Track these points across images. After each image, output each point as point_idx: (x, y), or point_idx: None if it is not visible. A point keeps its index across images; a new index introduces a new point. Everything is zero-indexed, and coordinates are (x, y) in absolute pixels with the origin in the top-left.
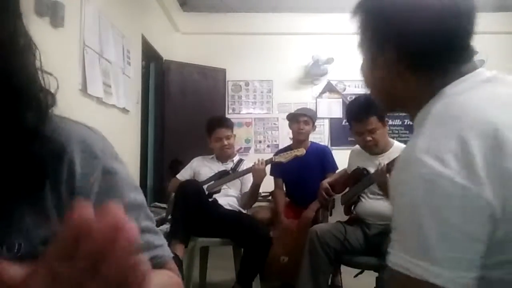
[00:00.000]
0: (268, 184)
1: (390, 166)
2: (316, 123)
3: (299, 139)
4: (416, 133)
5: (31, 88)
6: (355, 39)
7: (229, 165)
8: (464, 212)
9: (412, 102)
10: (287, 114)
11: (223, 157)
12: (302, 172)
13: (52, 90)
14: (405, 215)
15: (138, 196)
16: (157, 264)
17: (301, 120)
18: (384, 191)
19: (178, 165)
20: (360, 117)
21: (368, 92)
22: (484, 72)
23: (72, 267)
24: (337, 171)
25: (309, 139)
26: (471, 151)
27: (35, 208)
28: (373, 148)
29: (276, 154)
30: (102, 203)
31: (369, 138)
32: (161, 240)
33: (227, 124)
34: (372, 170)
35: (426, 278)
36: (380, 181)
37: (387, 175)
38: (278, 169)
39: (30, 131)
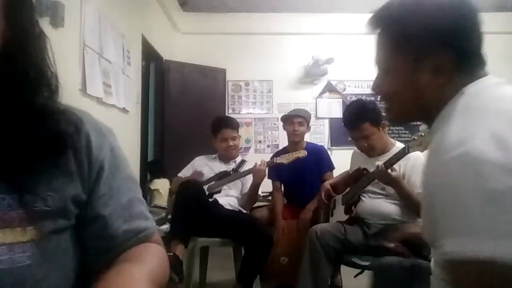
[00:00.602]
0: (268, 184)
1: (387, 164)
2: (316, 123)
3: (294, 140)
4: (442, 128)
5: (45, 70)
6: (355, 39)
7: (231, 166)
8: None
9: (437, 104)
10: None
11: (226, 158)
12: (299, 173)
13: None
14: (452, 200)
15: (132, 172)
16: (149, 234)
17: (295, 121)
18: (390, 185)
19: (156, 166)
20: (353, 124)
21: (384, 103)
22: (493, 78)
23: None
24: (340, 172)
25: (307, 139)
26: (503, 136)
27: (61, 170)
28: (370, 152)
29: (273, 157)
30: (112, 173)
31: (364, 144)
32: (149, 213)
33: (233, 125)
34: (372, 170)
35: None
36: (382, 177)
37: (388, 170)
38: (276, 171)
39: (48, 105)
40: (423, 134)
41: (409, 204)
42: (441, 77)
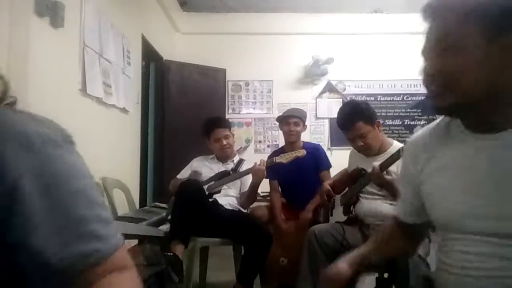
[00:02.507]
0: (267, 184)
1: (383, 165)
2: (316, 123)
3: (290, 140)
4: None
5: None
6: (355, 39)
7: (229, 166)
8: None
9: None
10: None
11: (223, 157)
12: (297, 173)
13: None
14: None
15: (87, 185)
16: (100, 257)
17: (291, 121)
18: (383, 188)
19: None
20: (346, 124)
21: (440, 88)
22: None
23: None
24: (338, 171)
25: (307, 139)
26: None
27: None
28: (367, 152)
29: (271, 156)
30: (41, 192)
31: (360, 143)
32: (109, 230)
33: (224, 124)
34: (370, 170)
35: None
36: (376, 180)
37: (384, 173)
38: (273, 171)
39: None
40: None
41: None
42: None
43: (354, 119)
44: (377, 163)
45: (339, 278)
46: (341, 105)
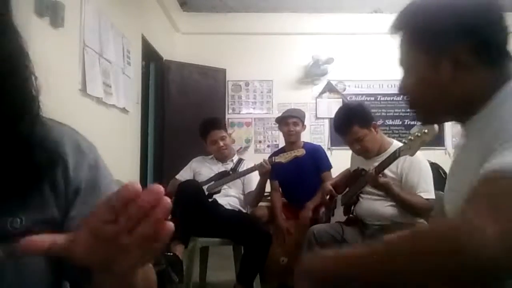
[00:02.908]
0: (268, 184)
1: (379, 168)
2: (316, 123)
3: (290, 140)
4: (500, 111)
5: (24, 97)
6: (355, 39)
7: (229, 165)
8: None
9: (479, 96)
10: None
11: (222, 158)
12: (297, 173)
13: (41, 93)
14: None
15: (114, 186)
16: None
17: (290, 121)
18: (380, 190)
19: None
20: (341, 129)
21: (412, 107)
22: None
23: (114, 227)
24: (339, 172)
25: (306, 139)
26: None
27: (35, 196)
28: (365, 154)
29: (271, 156)
30: (90, 193)
31: (358, 147)
32: None
33: (220, 125)
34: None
35: None
36: (372, 183)
37: (380, 175)
38: (274, 172)
39: (25, 138)
40: (412, 138)
41: (404, 206)
42: (461, 70)
43: (349, 123)
44: (376, 164)
45: None
46: (341, 105)
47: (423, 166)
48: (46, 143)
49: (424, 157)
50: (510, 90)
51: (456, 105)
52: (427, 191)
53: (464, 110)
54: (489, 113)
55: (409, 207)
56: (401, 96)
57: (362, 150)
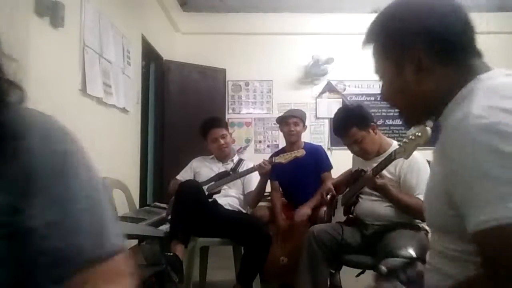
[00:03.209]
0: (268, 184)
1: (375, 170)
2: (316, 123)
3: (291, 140)
4: (461, 107)
5: None
6: (355, 39)
7: (229, 166)
8: None
9: (446, 94)
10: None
11: (222, 157)
12: (298, 173)
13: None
14: (478, 168)
15: (100, 180)
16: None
17: (290, 121)
18: (378, 192)
19: None
20: (340, 132)
21: (397, 109)
22: (502, 70)
23: None
24: (339, 172)
25: (306, 139)
26: None
27: None
28: (365, 156)
29: (271, 157)
30: (56, 181)
31: (356, 149)
32: (114, 227)
33: (220, 123)
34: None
35: None
36: (370, 185)
37: (377, 177)
38: (274, 172)
39: None
40: (407, 141)
41: (401, 207)
42: (422, 71)
43: (347, 125)
44: (375, 165)
45: None
46: (341, 105)
47: (421, 167)
48: (8, 129)
49: (423, 158)
50: (466, 91)
51: (427, 106)
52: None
53: (436, 109)
54: (448, 113)
55: (406, 209)
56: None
57: (361, 152)
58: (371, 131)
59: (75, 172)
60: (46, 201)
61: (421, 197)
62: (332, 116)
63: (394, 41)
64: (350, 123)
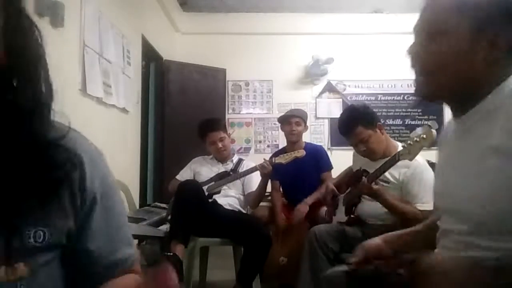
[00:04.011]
0: (268, 184)
1: (370, 178)
2: (316, 123)
3: (292, 140)
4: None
5: (42, 94)
6: (355, 39)
7: (229, 166)
8: None
9: (489, 81)
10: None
11: (221, 159)
12: (298, 173)
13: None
14: None
15: (120, 194)
16: (131, 263)
17: (292, 121)
18: (372, 197)
19: None
20: (346, 130)
21: (423, 76)
22: None
23: None
24: (339, 171)
25: (306, 139)
26: None
27: (54, 206)
28: (371, 156)
29: (272, 157)
30: (104, 204)
31: (363, 148)
32: (132, 237)
33: (218, 126)
34: (372, 171)
35: None
36: (365, 192)
37: (372, 184)
38: (274, 172)
39: (41, 142)
40: (411, 142)
41: (394, 213)
42: (495, 52)
43: (353, 124)
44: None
45: (374, 249)
46: (341, 105)
47: (424, 176)
48: (62, 150)
49: (427, 166)
50: None
51: (472, 86)
52: (425, 202)
53: (474, 93)
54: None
55: (401, 216)
56: (414, 57)
57: (367, 152)
58: (377, 130)
59: (114, 191)
60: (101, 223)
61: (419, 206)
62: (332, 116)
63: (482, 8)
64: (356, 121)
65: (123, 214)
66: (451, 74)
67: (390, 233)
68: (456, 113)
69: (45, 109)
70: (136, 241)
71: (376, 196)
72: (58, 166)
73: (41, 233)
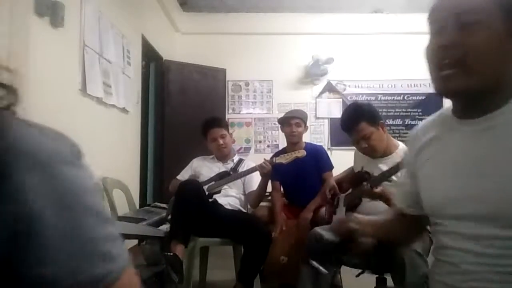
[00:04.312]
0: (269, 184)
1: (373, 183)
2: (316, 123)
3: (292, 141)
4: None
5: None
6: (355, 39)
7: (229, 165)
8: None
9: None
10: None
11: (221, 157)
12: (299, 173)
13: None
14: None
15: (95, 200)
16: (112, 279)
17: (292, 122)
18: (379, 199)
19: None
20: (349, 126)
21: (453, 66)
22: None
23: None
24: (340, 171)
25: (306, 139)
26: None
27: None
28: (372, 154)
29: (272, 157)
30: (58, 215)
31: (364, 145)
32: (118, 248)
33: (220, 123)
34: (375, 172)
35: None
36: (369, 197)
37: (375, 189)
38: (275, 172)
39: None
40: None
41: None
42: None
43: (357, 119)
44: (382, 165)
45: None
46: (341, 105)
47: None
48: None
49: None
50: None
51: (504, 82)
52: None
53: (504, 90)
54: None
55: None
56: (444, 50)
57: (369, 149)
58: (380, 128)
59: (78, 198)
60: (52, 241)
61: None
62: (332, 116)
63: None
64: (360, 117)
65: (95, 226)
66: (487, 67)
67: (377, 220)
68: (470, 113)
69: None
70: (136, 241)
71: (381, 198)
72: None
73: None
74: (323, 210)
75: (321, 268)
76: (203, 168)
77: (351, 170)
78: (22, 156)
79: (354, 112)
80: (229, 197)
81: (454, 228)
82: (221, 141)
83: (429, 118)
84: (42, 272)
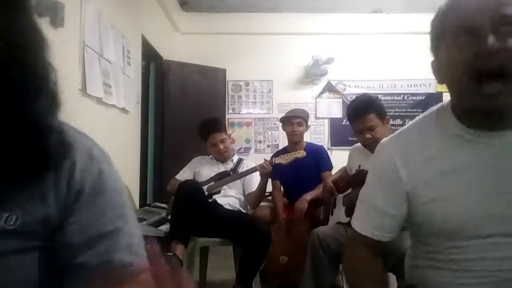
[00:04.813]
0: (268, 184)
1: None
2: (316, 123)
3: (294, 140)
4: None
5: (45, 77)
6: (355, 39)
7: (229, 166)
8: None
9: None
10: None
11: (221, 159)
12: (299, 173)
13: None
14: None
15: (126, 201)
16: (131, 270)
17: (294, 122)
18: None
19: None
20: (358, 114)
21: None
22: None
23: None
24: (337, 170)
25: (307, 139)
26: None
27: (34, 191)
28: (373, 146)
29: (273, 157)
30: (94, 198)
31: (368, 136)
32: (140, 248)
33: (219, 128)
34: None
35: None
36: None
37: None
38: (276, 171)
39: (40, 122)
40: None
41: None
42: None
43: (367, 109)
44: None
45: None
46: (341, 105)
47: None
48: (58, 142)
49: None
50: None
51: None
52: None
53: None
54: None
55: None
56: (491, 58)
57: (371, 140)
58: (385, 123)
59: (112, 192)
60: (87, 219)
61: None
62: (332, 116)
63: None
64: (370, 108)
65: (123, 220)
66: None
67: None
68: (492, 124)
69: (44, 93)
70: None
71: None
72: (47, 153)
73: (13, 217)
74: (319, 210)
75: None
76: (202, 168)
77: (344, 170)
78: (82, 149)
79: (365, 102)
80: (229, 197)
81: (476, 249)
82: (221, 146)
83: (413, 128)
84: (71, 241)
